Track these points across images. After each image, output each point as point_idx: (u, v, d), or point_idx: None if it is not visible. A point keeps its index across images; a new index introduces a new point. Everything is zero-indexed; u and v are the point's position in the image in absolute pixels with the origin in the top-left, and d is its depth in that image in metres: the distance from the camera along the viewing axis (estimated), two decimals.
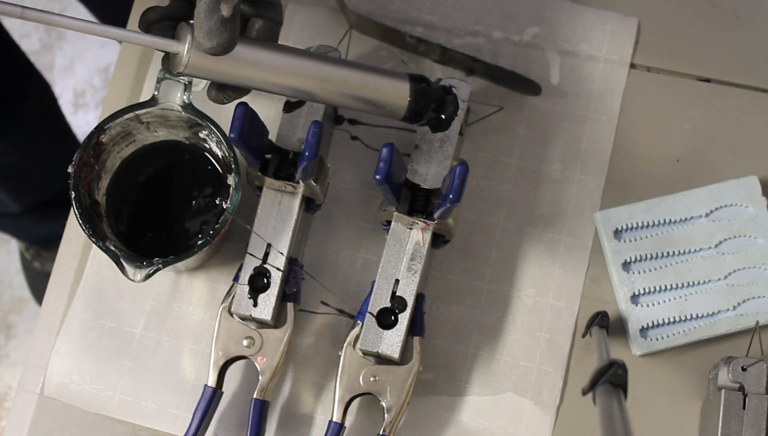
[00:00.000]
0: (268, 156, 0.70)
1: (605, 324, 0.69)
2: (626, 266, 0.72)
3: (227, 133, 0.64)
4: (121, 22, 0.73)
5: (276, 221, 0.70)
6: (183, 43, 0.58)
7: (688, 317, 0.71)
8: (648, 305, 0.72)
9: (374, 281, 0.69)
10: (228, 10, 0.56)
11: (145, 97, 0.78)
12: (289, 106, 0.72)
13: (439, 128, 0.69)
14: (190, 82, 0.70)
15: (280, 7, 0.62)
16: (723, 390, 0.66)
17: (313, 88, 0.64)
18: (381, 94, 0.66)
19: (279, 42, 0.63)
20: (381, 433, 0.67)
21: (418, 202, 0.69)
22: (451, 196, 0.62)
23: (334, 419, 0.68)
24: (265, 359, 0.69)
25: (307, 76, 0.63)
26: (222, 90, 0.62)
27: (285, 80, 0.62)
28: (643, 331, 0.71)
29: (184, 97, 0.70)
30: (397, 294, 0.68)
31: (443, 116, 0.69)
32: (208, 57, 0.59)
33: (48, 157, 1.17)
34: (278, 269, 0.69)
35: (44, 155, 1.18)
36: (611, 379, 0.54)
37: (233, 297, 0.69)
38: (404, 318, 0.68)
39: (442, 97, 0.69)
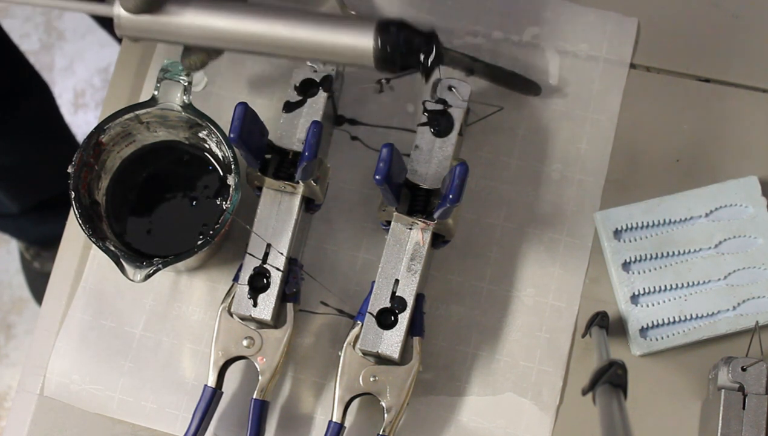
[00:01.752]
0: (268, 156, 0.70)
1: (605, 324, 0.69)
2: (626, 266, 0.72)
3: (227, 133, 0.63)
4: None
5: (276, 221, 0.70)
6: (114, 5, 0.59)
7: (688, 317, 0.71)
8: (648, 305, 0.72)
9: (374, 281, 0.69)
10: None
11: (145, 97, 0.78)
12: (289, 106, 0.72)
13: (427, 75, 0.62)
14: (190, 83, 0.70)
15: None
16: (723, 390, 0.66)
17: (265, 37, 0.61)
18: (341, 40, 0.61)
19: None
20: (381, 433, 0.67)
21: (418, 203, 0.69)
22: (451, 196, 0.62)
23: (334, 419, 0.68)
24: (265, 359, 0.69)
25: (257, 24, 0.61)
26: (187, 54, 0.63)
27: (236, 31, 0.61)
28: (643, 331, 0.71)
29: (184, 97, 0.70)
30: (397, 294, 0.68)
31: (424, 59, 0.61)
32: (141, 18, 0.59)
33: (46, 158, 1.17)
34: (278, 269, 0.69)
35: (43, 156, 1.18)
36: (611, 379, 0.54)
37: (233, 297, 0.69)
38: (404, 318, 0.68)
39: (416, 39, 0.61)
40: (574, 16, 0.79)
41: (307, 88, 0.72)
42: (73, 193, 0.68)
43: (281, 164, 0.70)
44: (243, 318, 0.69)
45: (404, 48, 0.60)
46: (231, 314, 0.69)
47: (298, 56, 0.63)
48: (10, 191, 1.21)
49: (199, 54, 0.63)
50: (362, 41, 0.60)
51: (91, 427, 0.73)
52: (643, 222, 0.73)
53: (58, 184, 1.25)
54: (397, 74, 0.63)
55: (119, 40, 1.13)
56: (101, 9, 0.59)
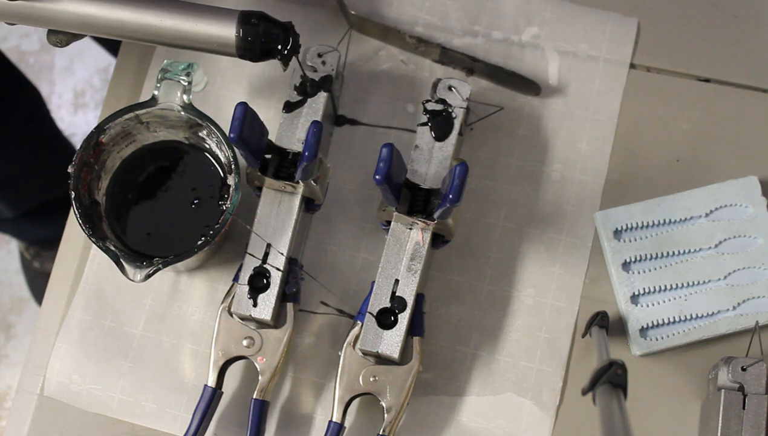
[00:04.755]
0: (268, 156, 0.70)
1: (605, 324, 0.69)
2: (626, 266, 0.72)
3: (227, 133, 0.63)
4: None
5: (276, 221, 0.70)
6: None
7: (688, 317, 0.71)
8: (648, 305, 0.72)
9: (374, 281, 0.69)
10: None
11: (145, 97, 0.78)
12: (289, 106, 0.72)
13: (284, 63, 0.66)
14: (190, 83, 0.70)
15: None
16: (723, 390, 0.66)
17: (134, 25, 0.64)
18: (206, 29, 0.64)
19: None
20: (381, 433, 0.67)
21: (417, 203, 0.69)
22: (450, 196, 0.62)
23: (334, 419, 0.68)
24: (265, 359, 0.69)
25: (126, 12, 0.64)
26: (53, 33, 0.65)
27: (104, 18, 0.64)
28: (643, 331, 0.71)
29: (184, 97, 0.70)
30: (397, 294, 0.68)
31: (281, 49, 0.65)
32: (13, 3, 0.62)
33: (38, 166, 1.17)
34: (278, 269, 0.69)
35: (33, 163, 1.17)
36: (611, 379, 0.54)
37: (233, 297, 0.69)
38: (404, 318, 0.68)
39: (274, 31, 0.65)
40: (574, 16, 0.79)
41: (307, 88, 0.72)
42: (73, 193, 0.68)
43: (281, 164, 0.70)
44: (243, 318, 0.70)
45: (263, 38, 0.64)
46: (231, 314, 0.69)
47: (165, 43, 0.66)
48: (3, 199, 1.20)
49: (63, 35, 0.66)
50: (225, 31, 0.64)
51: (91, 427, 0.73)
52: (643, 222, 0.73)
53: (51, 190, 1.25)
54: (257, 61, 0.66)
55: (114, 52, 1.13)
56: None
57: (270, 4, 0.81)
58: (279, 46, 0.65)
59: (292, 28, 0.66)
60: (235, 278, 0.70)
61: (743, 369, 0.66)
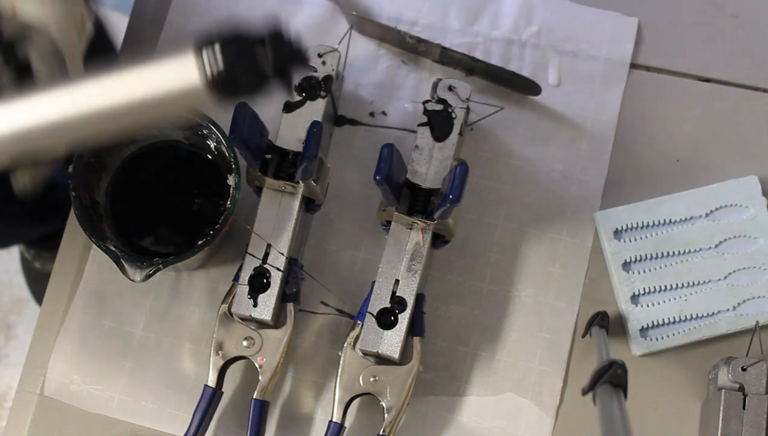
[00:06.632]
0: (268, 156, 0.70)
1: (605, 324, 0.69)
2: (626, 266, 0.72)
3: (227, 133, 0.63)
4: None
5: (276, 221, 0.70)
6: None
7: (688, 317, 0.71)
8: (648, 305, 0.72)
9: (374, 281, 0.69)
10: None
11: None
12: (289, 107, 0.72)
13: (288, 85, 0.48)
14: None
15: (61, 21, 0.49)
16: (723, 390, 0.66)
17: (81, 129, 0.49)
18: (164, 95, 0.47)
19: None
20: (381, 433, 0.67)
21: (418, 203, 0.69)
22: (451, 196, 0.62)
23: (334, 419, 0.68)
24: (265, 359, 0.69)
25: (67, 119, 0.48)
26: (20, 173, 0.51)
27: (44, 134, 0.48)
28: (643, 331, 0.71)
29: None
30: (397, 294, 0.68)
31: (277, 68, 0.47)
32: None
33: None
34: (278, 269, 0.69)
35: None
36: (611, 379, 0.54)
37: (233, 297, 0.69)
38: (404, 318, 0.68)
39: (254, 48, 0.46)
40: (574, 16, 0.79)
41: (307, 88, 0.72)
42: (73, 193, 0.68)
43: (281, 164, 0.70)
44: (243, 318, 0.69)
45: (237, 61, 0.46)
46: (231, 314, 0.69)
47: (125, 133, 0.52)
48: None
49: (32, 168, 0.52)
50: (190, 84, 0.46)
51: (91, 427, 0.73)
52: (643, 222, 0.73)
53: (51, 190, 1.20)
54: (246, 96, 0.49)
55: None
56: None
57: (271, 4, 0.81)
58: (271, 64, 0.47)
59: (279, 34, 0.47)
60: (235, 278, 0.70)
61: (743, 369, 0.66)
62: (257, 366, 0.69)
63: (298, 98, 0.72)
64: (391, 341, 0.67)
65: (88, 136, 0.50)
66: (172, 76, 0.46)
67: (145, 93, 0.47)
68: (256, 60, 0.46)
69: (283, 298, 0.70)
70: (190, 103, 0.48)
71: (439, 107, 0.71)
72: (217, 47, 0.45)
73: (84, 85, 0.47)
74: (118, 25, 0.97)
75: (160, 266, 0.66)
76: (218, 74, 0.45)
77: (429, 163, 0.69)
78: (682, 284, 0.72)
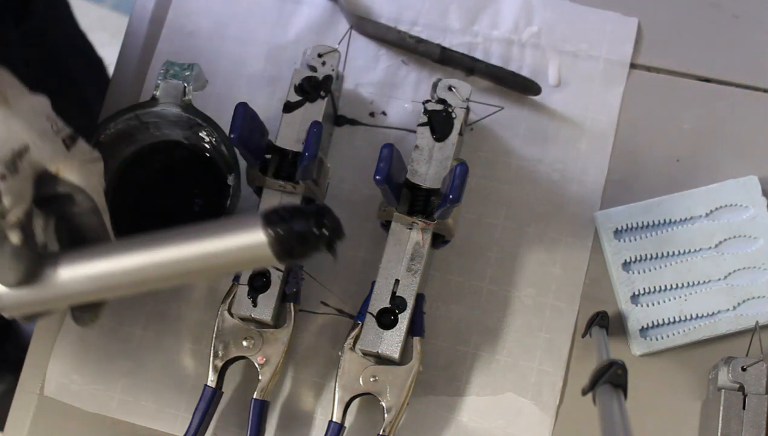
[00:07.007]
0: (268, 156, 0.70)
1: (605, 324, 0.69)
2: (626, 266, 0.72)
3: (227, 133, 0.63)
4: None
5: None
6: None
7: (688, 317, 0.71)
8: (648, 305, 0.72)
9: (374, 281, 0.69)
10: (17, 236, 0.47)
11: (145, 97, 0.78)
12: (289, 107, 0.72)
13: (335, 256, 0.55)
14: (190, 83, 0.70)
15: (98, 187, 0.53)
16: (723, 390, 0.66)
17: (157, 279, 0.53)
18: (230, 256, 0.52)
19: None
20: (381, 433, 0.67)
21: (418, 203, 0.69)
22: (451, 196, 0.62)
23: (334, 419, 0.68)
24: (265, 359, 0.69)
25: (146, 271, 0.53)
26: (80, 313, 0.55)
27: (127, 285, 0.53)
28: (643, 331, 0.71)
29: (184, 97, 0.70)
30: (397, 294, 0.68)
31: (327, 236, 0.53)
32: (20, 291, 0.50)
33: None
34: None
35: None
36: (611, 379, 0.54)
37: (233, 297, 0.69)
38: (404, 318, 0.68)
39: (313, 221, 0.52)
40: (574, 16, 0.79)
41: (307, 88, 0.72)
42: None
43: (281, 164, 0.70)
44: (243, 318, 0.69)
45: (300, 237, 0.51)
46: (231, 314, 0.69)
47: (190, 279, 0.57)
48: None
49: (93, 307, 0.56)
50: (253, 239, 0.51)
51: (91, 427, 0.73)
52: (643, 222, 0.73)
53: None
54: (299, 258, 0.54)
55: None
56: None
57: (271, 4, 0.81)
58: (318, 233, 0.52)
59: (327, 212, 0.52)
60: (235, 278, 0.70)
61: (743, 369, 0.66)
62: (257, 366, 0.69)
63: (297, 98, 0.72)
64: (391, 341, 0.67)
65: (156, 289, 0.55)
66: (245, 248, 0.51)
67: (219, 263, 0.52)
68: (312, 234, 0.52)
69: (283, 298, 0.70)
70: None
71: (439, 107, 0.71)
72: (283, 225, 0.51)
73: (165, 249, 0.52)
74: (118, 24, 0.97)
75: None
76: (284, 246, 0.51)
77: (429, 163, 0.69)
78: (682, 284, 0.72)
